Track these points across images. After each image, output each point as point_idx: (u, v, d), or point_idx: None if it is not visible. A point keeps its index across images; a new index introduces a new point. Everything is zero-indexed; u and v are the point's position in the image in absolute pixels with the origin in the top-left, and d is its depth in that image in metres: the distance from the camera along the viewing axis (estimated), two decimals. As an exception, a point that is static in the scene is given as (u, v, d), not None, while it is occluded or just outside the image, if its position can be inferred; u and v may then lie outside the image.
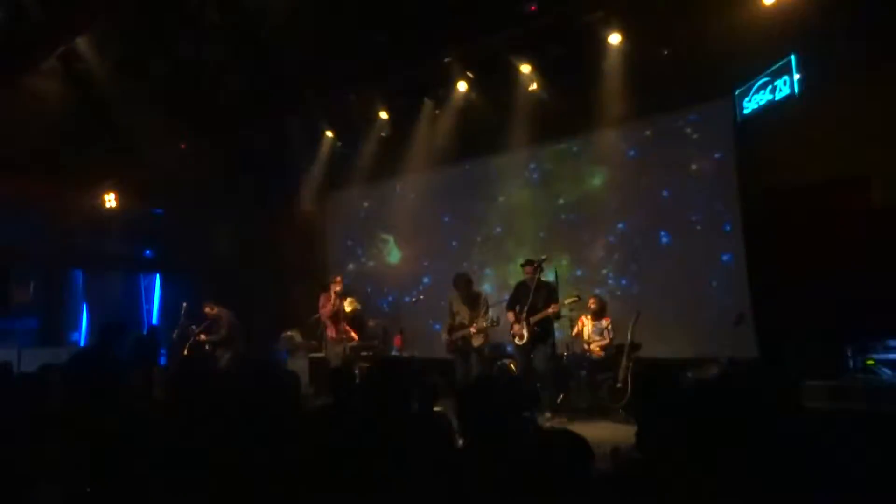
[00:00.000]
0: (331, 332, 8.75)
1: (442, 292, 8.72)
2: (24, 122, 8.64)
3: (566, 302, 7.31)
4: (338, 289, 8.81)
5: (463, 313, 7.69)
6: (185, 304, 9.22)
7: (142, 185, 10.47)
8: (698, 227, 8.03)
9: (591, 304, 7.78)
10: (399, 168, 10.39)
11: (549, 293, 7.23)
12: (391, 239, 11.25)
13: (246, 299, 10.08)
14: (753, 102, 7.31)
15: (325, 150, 10.71)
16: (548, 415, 6.84)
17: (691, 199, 8.07)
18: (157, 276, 11.99)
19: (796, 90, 6.74)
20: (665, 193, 8.33)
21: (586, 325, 7.80)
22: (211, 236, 11.16)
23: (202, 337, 8.92)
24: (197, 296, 9.29)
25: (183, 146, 10.13)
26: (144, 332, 10.78)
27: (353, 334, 8.90)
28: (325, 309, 8.78)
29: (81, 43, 7.85)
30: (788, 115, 6.82)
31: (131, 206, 10.75)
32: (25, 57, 7.72)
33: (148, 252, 11.68)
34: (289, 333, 9.53)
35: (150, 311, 11.88)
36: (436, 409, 3.71)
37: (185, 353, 8.73)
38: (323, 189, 11.53)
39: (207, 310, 9.01)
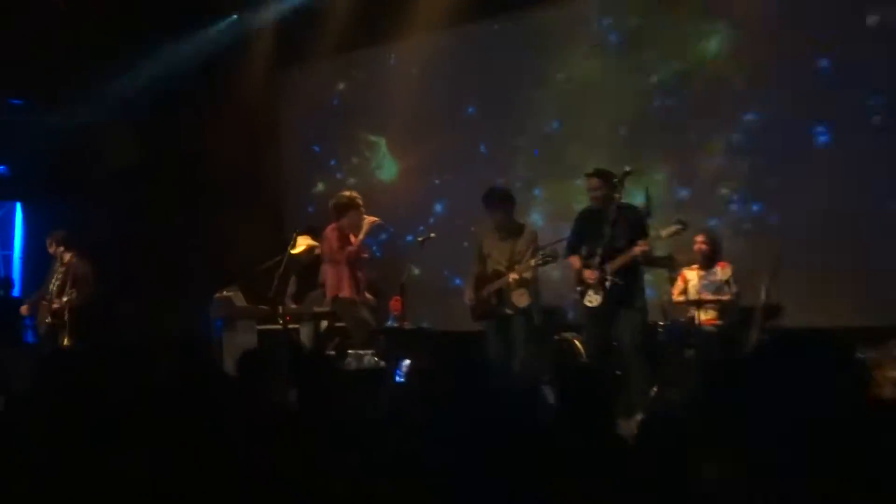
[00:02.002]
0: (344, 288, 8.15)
1: (464, 226, 8.93)
2: None
3: (663, 234, 7.08)
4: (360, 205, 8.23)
5: (498, 255, 7.56)
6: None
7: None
8: (878, 118, 7.96)
9: (699, 244, 7.76)
10: (393, 30, 10.44)
11: (634, 225, 7.03)
12: (383, 142, 11.28)
13: (156, 241, 10.42)
14: None
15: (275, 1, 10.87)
16: (638, 417, 6.65)
17: (867, 74, 8.00)
18: (18, 204, 12.22)
19: None
20: (824, 63, 8.28)
21: (691, 279, 7.84)
22: (100, 142, 11.10)
23: (54, 305, 9.27)
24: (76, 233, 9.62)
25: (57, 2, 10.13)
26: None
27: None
28: (351, 246, 8.15)
29: None
30: None
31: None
32: None
33: (2, 168, 11.81)
34: (226, 293, 9.39)
35: (8, 258, 12.17)
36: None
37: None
38: (274, 65, 11.63)
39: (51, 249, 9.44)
